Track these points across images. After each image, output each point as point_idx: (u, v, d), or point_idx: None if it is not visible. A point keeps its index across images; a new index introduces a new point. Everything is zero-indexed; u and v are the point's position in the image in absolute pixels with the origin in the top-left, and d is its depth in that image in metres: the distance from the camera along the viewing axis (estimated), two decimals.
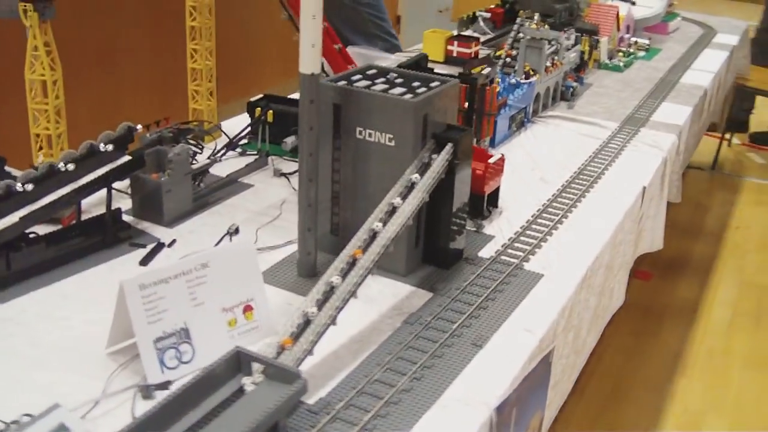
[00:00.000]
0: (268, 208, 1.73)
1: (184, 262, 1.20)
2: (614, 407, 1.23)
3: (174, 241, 1.56)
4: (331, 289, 1.20)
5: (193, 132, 1.97)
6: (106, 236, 1.52)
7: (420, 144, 1.41)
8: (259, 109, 1.96)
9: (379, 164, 1.43)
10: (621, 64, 3.05)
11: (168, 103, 4.16)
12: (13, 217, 1.37)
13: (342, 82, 1.46)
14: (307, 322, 1.15)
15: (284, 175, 1.89)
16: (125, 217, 1.59)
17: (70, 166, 1.44)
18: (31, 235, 1.42)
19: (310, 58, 1.31)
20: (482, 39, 3.05)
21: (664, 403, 2.49)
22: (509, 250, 1.61)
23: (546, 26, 2.43)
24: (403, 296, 1.44)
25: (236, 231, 1.61)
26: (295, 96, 2.03)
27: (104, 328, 1.24)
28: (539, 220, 1.75)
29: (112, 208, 1.53)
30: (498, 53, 2.93)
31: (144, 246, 1.53)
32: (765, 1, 4.97)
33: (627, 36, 3.32)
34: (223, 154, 1.94)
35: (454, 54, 2.98)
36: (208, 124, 2.04)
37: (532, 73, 2.36)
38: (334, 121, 1.43)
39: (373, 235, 1.29)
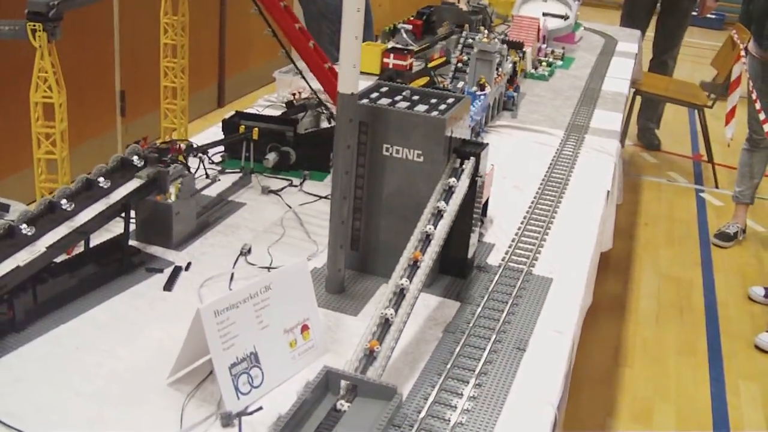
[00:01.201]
0: (270, 226, 1.72)
1: (249, 285, 1.19)
2: (571, 402, 1.34)
3: (189, 264, 1.54)
4: (401, 291, 1.23)
5: (170, 151, 1.94)
6: (124, 262, 1.48)
7: (446, 159, 1.46)
8: (242, 126, 1.95)
9: (407, 180, 1.46)
10: (546, 73, 3.20)
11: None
12: (39, 248, 1.31)
13: (364, 100, 1.48)
14: (386, 324, 1.18)
15: (273, 192, 1.89)
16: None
17: (104, 184, 1.39)
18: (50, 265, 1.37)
19: (351, 78, 1.33)
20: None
21: (614, 393, 2.64)
22: (514, 257, 1.68)
23: (496, 39, 2.52)
24: (434, 306, 1.48)
25: (249, 251, 1.60)
26: (262, 111, 2.05)
27: (153, 357, 1.23)
28: (529, 227, 1.83)
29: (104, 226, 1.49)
30: (431, 64, 3.02)
31: (161, 270, 1.50)
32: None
33: (543, 46, 3.48)
34: (221, 173, 1.92)
35: (390, 66, 3.04)
36: (183, 142, 2.00)
37: (486, 84, 2.44)
38: (359, 138, 1.46)
39: (427, 237, 1.33)
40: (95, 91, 4.04)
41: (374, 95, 1.52)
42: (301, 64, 2.01)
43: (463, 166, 1.47)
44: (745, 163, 3.83)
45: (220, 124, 2.11)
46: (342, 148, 1.37)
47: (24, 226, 1.32)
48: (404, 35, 3.52)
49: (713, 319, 3.16)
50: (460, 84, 2.43)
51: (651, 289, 3.35)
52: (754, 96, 3.47)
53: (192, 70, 2.04)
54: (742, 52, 4.01)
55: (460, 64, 2.58)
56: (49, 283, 1.35)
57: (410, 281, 1.26)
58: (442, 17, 3.82)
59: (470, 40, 2.59)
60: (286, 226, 1.73)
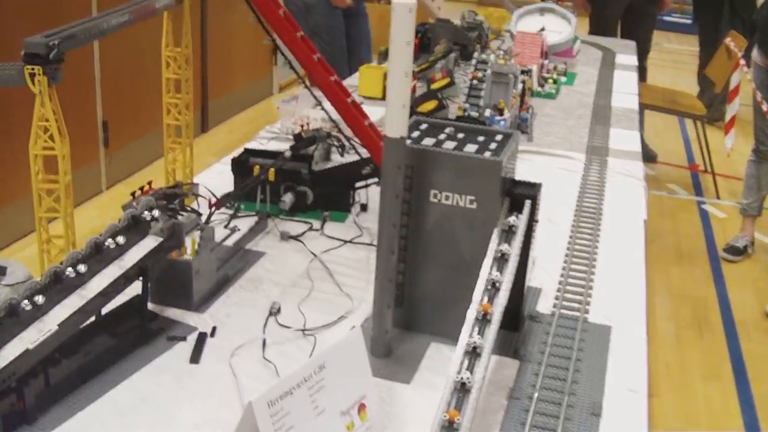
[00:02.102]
0: (296, 279, 1.57)
1: (303, 367, 1.04)
2: None
3: (215, 329, 1.38)
4: (473, 350, 1.10)
5: (179, 197, 1.78)
6: (144, 332, 1.32)
7: (501, 203, 1.31)
8: (257, 167, 1.79)
9: (457, 228, 1.32)
10: (553, 91, 3.08)
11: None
12: (48, 325, 1.15)
13: (407, 141, 1.33)
14: (464, 390, 1.05)
15: (294, 238, 1.73)
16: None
17: (117, 246, 1.23)
18: None
19: (400, 121, 1.18)
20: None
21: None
22: (565, 303, 1.54)
23: (512, 60, 2.40)
24: (491, 367, 1.33)
25: (278, 310, 1.44)
26: (267, 145, 1.89)
27: None
28: (574, 267, 1.69)
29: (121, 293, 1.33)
30: (434, 86, 2.88)
31: (184, 338, 1.34)
32: None
33: (546, 62, 3.36)
34: (233, 217, 1.76)
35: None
36: (187, 186, 1.84)
37: (504, 108, 2.31)
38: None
39: (494, 285, 1.19)
40: (77, 122, 3.84)
41: (415, 135, 1.37)
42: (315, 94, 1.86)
43: (521, 210, 1.33)
44: (752, 175, 3.74)
45: (229, 162, 1.95)
46: (390, 198, 1.23)
47: (28, 301, 1.15)
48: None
49: (734, 339, 3.06)
50: (487, 112, 2.27)
51: (667, 310, 3.24)
52: (764, 107, 3.37)
53: None
54: (741, 60, 3.94)
55: (475, 81, 2.44)
56: (62, 364, 1.18)
57: (483, 337, 1.11)
58: (437, 35, 3.69)
59: (484, 56, 2.45)
60: (314, 277, 1.57)
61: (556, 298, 1.56)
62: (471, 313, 1.16)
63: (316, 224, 1.80)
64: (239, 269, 1.59)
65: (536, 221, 1.36)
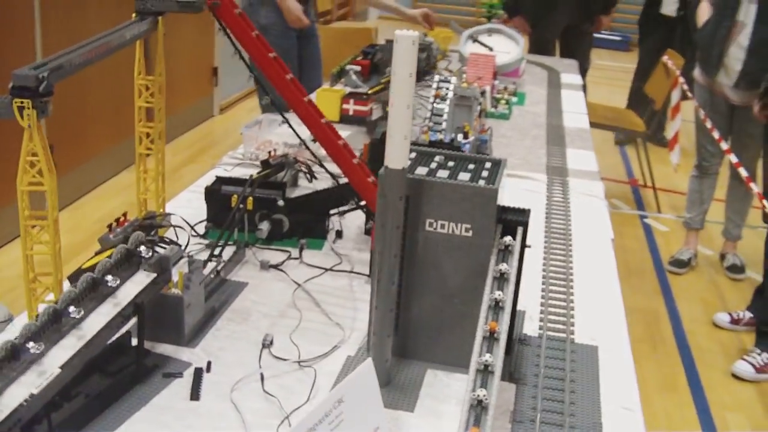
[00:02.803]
0: (284, 309, 1.56)
1: (323, 403, 1.03)
2: None
3: (209, 363, 1.36)
4: (485, 368, 1.12)
5: (155, 228, 1.76)
6: (139, 370, 1.29)
7: (495, 231, 1.34)
8: (234, 197, 1.78)
9: (452, 255, 1.33)
10: (506, 112, 3.14)
11: None
12: (47, 367, 1.12)
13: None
14: (480, 407, 1.06)
15: (274, 267, 1.72)
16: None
17: (113, 283, 1.20)
18: None
19: (401, 152, 1.19)
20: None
21: None
22: (550, 325, 1.57)
23: (475, 84, 2.43)
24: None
25: (271, 342, 1.43)
26: (231, 171, 1.88)
27: None
28: (552, 288, 1.72)
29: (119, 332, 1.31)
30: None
31: (180, 374, 1.32)
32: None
33: (496, 83, 3.42)
34: (209, 246, 1.74)
35: (351, 113, 2.92)
36: (160, 216, 1.81)
37: (469, 131, 2.34)
38: None
39: (496, 304, 1.22)
40: (16, 147, 3.74)
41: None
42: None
43: (514, 236, 1.35)
44: (695, 190, 3.87)
45: (196, 190, 1.94)
46: (391, 229, 1.23)
47: (31, 344, 1.12)
48: (354, 77, 3.40)
49: (686, 350, 3.15)
50: (459, 136, 2.28)
51: None
52: (709, 125, 3.50)
53: (118, 118, 1.86)
54: (681, 78, 4.09)
55: (438, 100, 2.46)
56: (63, 408, 1.15)
57: (492, 355, 1.13)
58: (386, 57, 3.72)
59: (440, 77, 2.49)
60: (301, 307, 1.57)
61: (541, 320, 1.59)
62: (479, 333, 1.18)
63: (294, 252, 1.79)
64: (224, 301, 1.57)
65: (528, 246, 1.38)
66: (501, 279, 1.27)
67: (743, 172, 3.03)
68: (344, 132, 2.65)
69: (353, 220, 1.95)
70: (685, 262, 3.87)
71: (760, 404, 2.81)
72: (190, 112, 5.58)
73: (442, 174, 1.35)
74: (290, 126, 1.88)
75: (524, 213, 1.40)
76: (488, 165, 1.41)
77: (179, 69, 5.32)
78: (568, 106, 3.39)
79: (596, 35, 5.33)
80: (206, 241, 1.82)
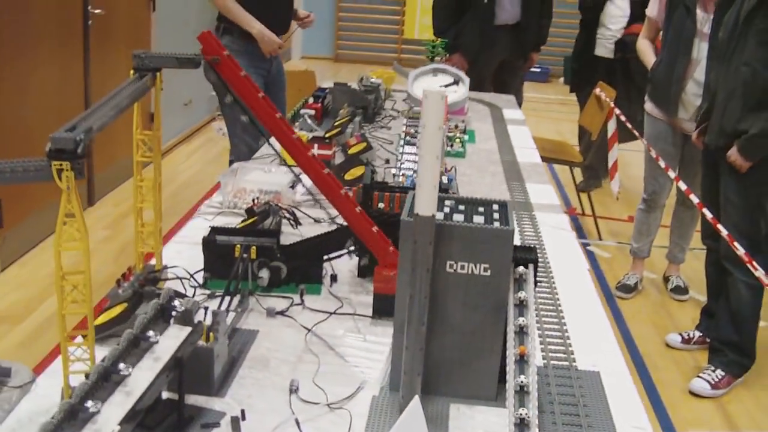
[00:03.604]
0: (300, 354, 1.61)
1: None
2: None
3: (243, 412, 1.39)
4: (522, 389, 1.22)
5: (158, 281, 1.79)
6: (179, 422, 1.32)
7: (511, 269, 1.42)
8: (238, 247, 1.82)
9: (472, 294, 1.41)
10: (462, 150, 3.26)
11: None
12: (104, 426, 1.14)
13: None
14: (523, 424, 1.16)
15: (281, 314, 1.77)
16: None
17: (153, 338, 1.24)
18: None
19: (431, 200, 1.27)
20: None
21: None
22: (552, 354, 1.67)
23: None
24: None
25: (297, 389, 1.48)
26: (213, 221, 1.92)
27: None
28: (545, 319, 1.82)
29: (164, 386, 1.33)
30: (352, 151, 2.97)
31: (218, 424, 1.35)
32: None
33: (449, 122, 3.55)
34: (211, 297, 1.77)
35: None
36: (160, 268, 1.83)
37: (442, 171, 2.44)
38: None
39: (521, 330, 1.32)
40: None
41: None
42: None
43: (526, 273, 1.44)
44: (643, 222, 4.04)
45: (182, 242, 1.97)
46: (421, 272, 1.31)
47: (89, 403, 1.14)
48: (308, 121, 3.48)
49: (644, 371, 3.29)
50: (444, 178, 2.36)
51: None
52: (654, 154, 3.67)
53: None
54: (617, 110, 4.29)
55: (408, 138, 2.55)
56: None
57: (527, 377, 1.24)
58: (336, 99, 3.82)
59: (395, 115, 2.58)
60: (317, 351, 1.62)
61: (543, 350, 1.68)
62: (510, 358, 1.27)
63: (295, 298, 1.84)
64: (240, 350, 1.61)
65: (539, 282, 1.47)
66: (521, 306, 1.37)
67: (694, 198, 3.21)
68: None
69: (344, 264, 2.01)
70: (631, 287, 4.04)
71: (720, 418, 2.97)
72: (131, 159, 5.55)
73: (458, 218, 1.43)
74: (284, 162, 1.94)
75: (532, 251, 1.49)
76: (495, 207, 1.51)
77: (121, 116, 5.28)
78: (517, 142, 3.53)
79: None
80: (208, 291, 1.85)
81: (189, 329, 1.36)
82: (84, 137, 1.27)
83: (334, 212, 2.38)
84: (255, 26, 3.90)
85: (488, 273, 1.40)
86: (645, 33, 3.97)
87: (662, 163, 3.54)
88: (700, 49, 3.52)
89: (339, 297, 1.86)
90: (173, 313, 1.38)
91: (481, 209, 1.49)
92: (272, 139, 1.81)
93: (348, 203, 1.72)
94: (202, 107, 6.89)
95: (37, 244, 4.23)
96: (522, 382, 1.23)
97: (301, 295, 1.85)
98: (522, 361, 1.28)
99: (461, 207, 1.49)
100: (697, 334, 3.56)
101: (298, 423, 1.37)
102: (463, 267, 1.40)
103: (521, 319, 1.34)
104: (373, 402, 1.45)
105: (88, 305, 1.30)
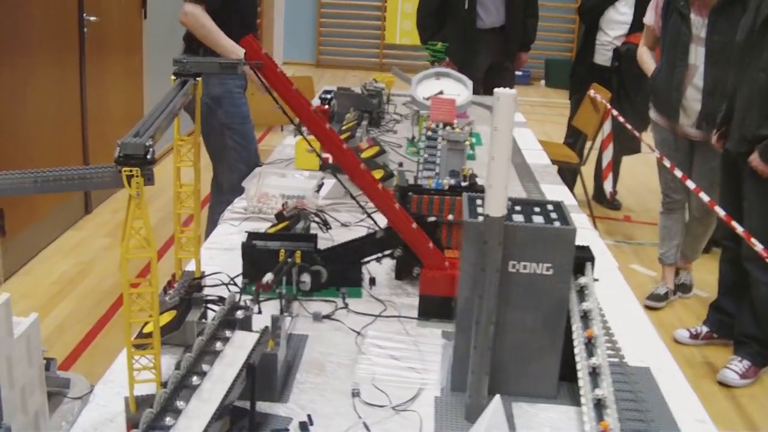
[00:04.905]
0: (354, 357, 1.61)
1: None
2: None
3: (310, 416, 1.39)
4: (598, 402, 1.28)
5: (201, 288, 1.78)
6: (250, 430, 1.32)
7: (572, 268, 1.44)
8: (282, 252, 1.82)
9: (534, 294, 1.42)
10: (472, 152, 3.27)
11: None
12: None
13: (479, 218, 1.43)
14: (600, 405, 1.24)
15: (328, 317, 1.77)
16: None
17: (220, 346, 1.23)
18: None
19: (502, 200, 1.29)
20: None
21: None
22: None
23: (466, 127, 2.55)
24: (576, 419, 1.44)
25: (359, 392, 1.48)
26: (239, 226, 1.92)
27: None
28: None
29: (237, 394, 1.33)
30: (365, 155, 2.98)
31: (286, 430, 1.35)
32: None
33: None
34: (254, 302, 1.76)
35: (330, 161, 2.98)
36: (200, 275, 1.83)
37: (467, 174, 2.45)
38: None
39: (585, 315, 1.38)
40: None
41: (481, 210, 1.48)
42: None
43: (581, 271, 1.46)
44: (664, 226, 4.05)
45: (212, 247, 1.96)
46: (491, 272, 1.32)
47: (169, 418, 1.13)
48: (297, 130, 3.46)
49: None
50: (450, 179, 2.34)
51: None
52: (668, 164, 3.68)
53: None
54: (614, 111, 4.33)
55: (426, 155, 2.56)
56: None
57: (598, 358, 1.30)
58: (341, 103, 3.81)
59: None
60: (370, 354, 1.62)
61: None
62: (578, 341, 1.30)
63: (338, 301, 1.84)
64: (294, 354, 1.61)
65: (596, 280, 1.49)
66: (582, 292, 1.44)
67: (704, 196, 3.25)
68: (329, 180, 2.73)
69: (380, 266, 2.02)
70: (661, 296, 4.02)
71: (737, 415, 3.02)
72: None
73: (518, 218, 1.44)
74: (334, 174, 1.94)
75: (588, 250, 1.51)
76: (550, 207, 1.52)
77: (116, 123, 5.26)
78: (523, 144, 3.56)
79: None
80: (249, 297, 1.84)
81: (255, 335, 1.36)
82: (153, 143, 1.26)
83: (360, 215, 2.39)
84: (235, 51, 3.45)
85: (550, 272, 1.41)
86: (644, 41, 3.99)
87: (678, 173, 3.55)
88: (698, 55, 3.55)
89: (381, 300, 1.87)
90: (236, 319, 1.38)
91: (537, 209, 1.50)
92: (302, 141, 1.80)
93: (401, 216, 1.73)
94: None
95: (38, 252, 4.19)
96: (594, 363, 1.26)
97: (344, 299, 1.85)
98: (590, 344, 1.31)
99: (517, 207, 1.50)
100: (705, 329, 3.61)
101: (367, 426, 1.37)
102: (525, 267, 1.41)
103: (584, 304, 1.38)
104: (437, 403, 1.45)
105: (155, 314, 1.29)
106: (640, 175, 6.26)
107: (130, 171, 1.24)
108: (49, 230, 4.38)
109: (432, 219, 1.91)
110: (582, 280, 1.45)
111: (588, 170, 5.10)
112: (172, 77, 1.71)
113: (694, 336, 3.60)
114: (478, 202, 1.53)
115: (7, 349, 0.97)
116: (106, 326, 3.60)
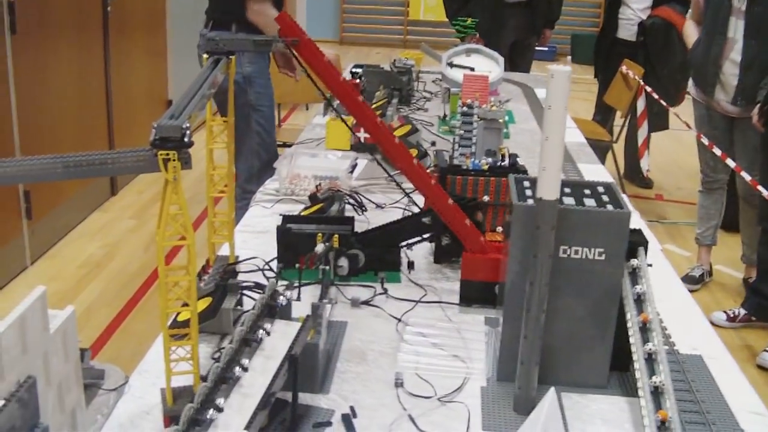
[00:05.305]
0: (395, 345, 1.56)
1: None
2: None
3: (352, 408, 1.34)
4: (656, 390, 1.23)
5: (236, 273, 1.73)
6: (292, 423, 1.27)
7: (626, 253, 1.37)
8: (320, 235, 1.76)
9: (585, 280, 1.36)
10: (506, 131, 3.20)
11: None
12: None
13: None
14: (657, 393, 1.21)
15: (367, 303, 1.72)
16: None
17: (262, 336, 1.18)
18: None
19: (555, 183, 1.22)
20: None
21: None
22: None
23: (503, 106, 2.48)
24: (628, 410, 1.38)
25: (402, 382, 1.43)
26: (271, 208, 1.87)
27: None
28: None
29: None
30: (397, 134, 2.90)
31: (330, 423, 1.30)
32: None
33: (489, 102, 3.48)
34: (289, 288, 1.71)
35: (362, 140, 2.92)
36: (234, 260, 1.78)
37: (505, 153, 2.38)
38: None
39: (639, 298, 1.34)
40: None
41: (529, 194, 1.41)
42: None
43: (633, 256, 1.40)
44: (702, 206, 3.94)
45: (246, 231, 1.92)
46: (543, 258, 1.26)
47: (211, 411, 1.09)
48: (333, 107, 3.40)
49: None
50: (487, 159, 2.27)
51: None
52: (706, 141, 3.59)
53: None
54: (648, 88, 4.22)
55: (462, 132, 2.48)
56: None
57: (655, 344, 1.26)
58: (370, 81, 3.74)
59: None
60: (412, 342, 1.57)
61: None
62: (634, 326, 1.30)
63: (377, 286, 1.79)
64: (334, 342, 1.56)
65: (650, 265, 1.42)
66: (635, 275, 1.39)
67: (746, 175, 3.15)
68: (362, 161, 2.67)
69: (417, 250, 1.96)
70: (696, 279, 3.93)
71: None
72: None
73: (569, 201, 1.38)
74: (372, 154, 1.89)
75: (640, 233, 1.44)
76: (601, 189, 1.45)
77: (139, 105, 5.22)
78: None
79: None
80: (285, 282, 1.80)
81: (297, 325, 1.31)
82: (189, 125, 1.21)
83: (394, 197, 2.34)
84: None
85: (603, 257, 1.35)
86: (691, 15, 3.87)
87: (718, 151, 3.44)
88: (737, 28, 3.44)
89: (420, 284, 1.81)
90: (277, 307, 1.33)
91: (587, 191, 1.44)
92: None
93: (438, 192, 1.67)
94: None
95: (65, 235, 4.18)
96: (650, 349, 1.21)
97: (383, 284, 1.80)
98: (645, 328, 1.26)
99: (566, 189, 1.44)
100: (743, 312, 3.52)
101: (412, 419, 1.32)
102: (576, 252, 1.35)
103: (638, 287, 1.34)
104: (483, 393, 1.40)
105: (192, 303, 1.24)
106: (671, 153, 6.14)
107: (167, 154, 1.18)
108: (75, 212, 4.36)
109: (472, 201, 1.86)
110: (634, 261, 1.38)
111: (617, 148, 5.00)
112: (205, 56, 1.65)
113: (732, 318, 3.52)
114: (526, 183, 1.47)
115: (43, 345, 0.93)
116: (133, 310, 3.58)
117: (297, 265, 1.68)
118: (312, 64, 1.65)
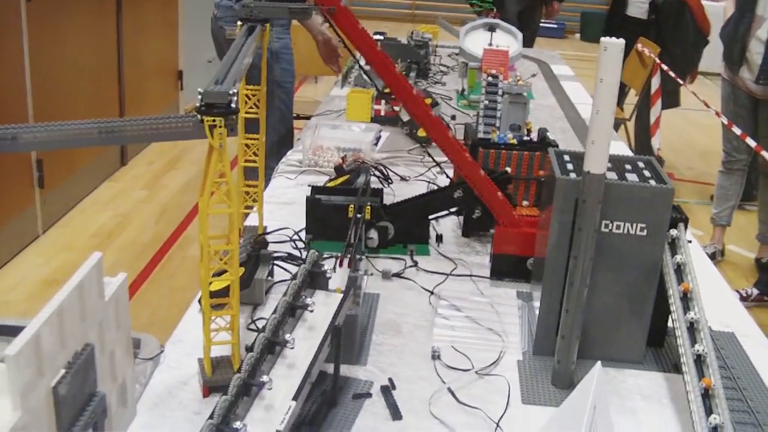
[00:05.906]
0: (429, 318, 1.55)
1: (587, 414, 1.04)
2: None
3: (391, 380, 1.34)
4: (698, 358, 1.24)
5: (267, 244, 1.73)
6: (333, 394, 1.27)
7: (667, 228, 1.37)
8: (351, 207, 1.76)
9: (626, 254, 1.36)
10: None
11: None
12: (275, 402, 1.09)
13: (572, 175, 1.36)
14: (700, 361, 1.21)
15: (398, 275, 1.71)
16: None
17: (310, 307, 1.18)
18: None
19: (604, 157, 1.21)
20: None
21: None
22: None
23: (529, 81, 2.46)
24: (665, 385, 1.38)
25: (439, 355, 1.43)
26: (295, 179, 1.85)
27: None
28: None
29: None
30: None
31: (369, 395, 1.30)
32: None
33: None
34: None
35: (382, 113, 2.90)
36: (263, 230, 1.77)
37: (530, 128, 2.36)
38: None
39: (679, 268, 1.35)
40: (7, 164, 3.57)
41: (570, 168, 1.41)
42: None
43: (677, 231, 1.39)
44: (721, 186, 3.91)
45: (271, 202, 1.91)
46: (588, 232, 1.25)
47: (265, 377, 1.09)
48: (364, 76, 3.38)
49: None
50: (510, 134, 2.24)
51: None
52: (725, 120, 3.56)
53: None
54: (664, 66, 4.20)
55: (487, 102, 2.45)
56: None
57: (696, 313, 1.28)
58: (388, 53, 3.69)
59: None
60: (446, 315, 1.57)
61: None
62: (675, 295, 1.32)
63: (407, 259, 1.79)
64: (368, 315, 1.55)
65: (689, 241, 1.42)
66: (674, 244, 1.39)
67: (767, 155, 3.14)
68: (386, 133, 2.66)
69: (445, 223, 1.96)
70: (709, 257, 3.91)
71: None
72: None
73: (611, 176, 1.37)
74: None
75: (680, 209, 1.43)
76: (641, 164, 1.44)
77: (150, 76, 5.19)
78: (575, 98, 3.46)
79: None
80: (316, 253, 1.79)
81: (337, 296, 1.31)
82: (236, 91, 1.20)
83: (417, 169, 2.33)
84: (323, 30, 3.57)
85: (644, 233, 1.35)
86: None
87: (737, 130, 3.42)
88: (766, 6, 3.41)
89: (450, 258, 1.81)
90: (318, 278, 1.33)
91: (628, 167, 1.43)
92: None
93: (472, 164, 1.66)
94: None
95: (76, 204, 4.17)
96: (692, 318, 1.22)
97: (412, 256, 1.80)
98: (686, 298, 1.26)
99: (608, 165, 1.43)
100: (755, 291, 3.53)
101: (452, 392, 1.32)
102: (618, 227, 1.35)
103: (678, 257, 1.34)
104: (520, 367, 1.40)
105: (234, 273, 1.24)
106: (683, 132, 6.12)
107: (213, 121, 1.16)
108: (86, 182, 4.35)
109: (505, 175, 1.85)
110: (674, 232, 1.38)
111: (629, 126, 4.98)
112: (239, 23, 1.63)
113: (744, 298, 3.53)
114: (566, 158, 1.46)
115: (100, 313, 0.92)
116: (146, 281, 3.58)
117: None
118: (348, 33, 1.63)
